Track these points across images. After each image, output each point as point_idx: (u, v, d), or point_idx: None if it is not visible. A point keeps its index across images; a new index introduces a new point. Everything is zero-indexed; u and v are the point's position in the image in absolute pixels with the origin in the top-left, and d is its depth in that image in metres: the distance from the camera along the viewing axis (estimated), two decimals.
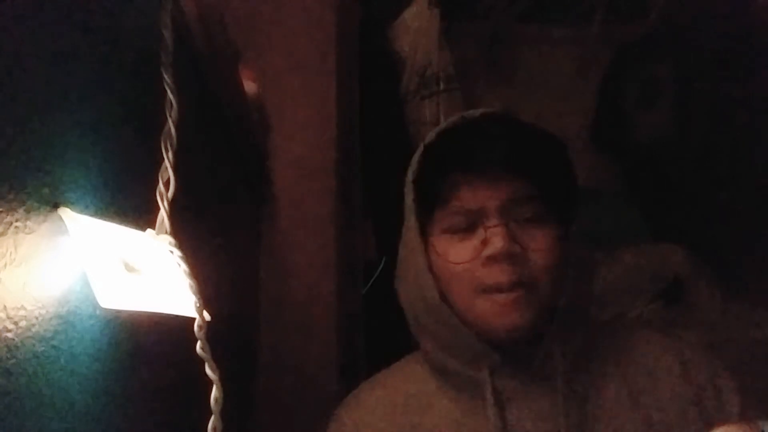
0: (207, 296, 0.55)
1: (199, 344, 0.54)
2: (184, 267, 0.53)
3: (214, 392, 0.54)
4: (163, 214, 0.55)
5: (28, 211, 0.42)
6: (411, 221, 0.79)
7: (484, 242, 0.73)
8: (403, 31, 1.81)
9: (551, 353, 0.74)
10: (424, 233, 0.78)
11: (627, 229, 1.77)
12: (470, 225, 0.74)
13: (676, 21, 1.95)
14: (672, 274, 1.49)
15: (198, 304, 0.54)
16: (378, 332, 1.39)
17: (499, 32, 2.07)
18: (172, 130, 0.58)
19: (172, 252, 0.53)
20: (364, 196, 1.51)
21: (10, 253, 0.40)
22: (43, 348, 0.44)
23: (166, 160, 0.57)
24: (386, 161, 1.61)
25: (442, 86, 1.77)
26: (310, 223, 1.24)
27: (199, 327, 0.54)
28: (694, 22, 1.89)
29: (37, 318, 0.43)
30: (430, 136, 0.80)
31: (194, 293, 0.54)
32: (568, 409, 0.72)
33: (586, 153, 1.89)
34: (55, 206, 0.46)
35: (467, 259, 0.73)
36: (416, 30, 1.79)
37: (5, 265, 0.39)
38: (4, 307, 0.39)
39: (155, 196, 0.55)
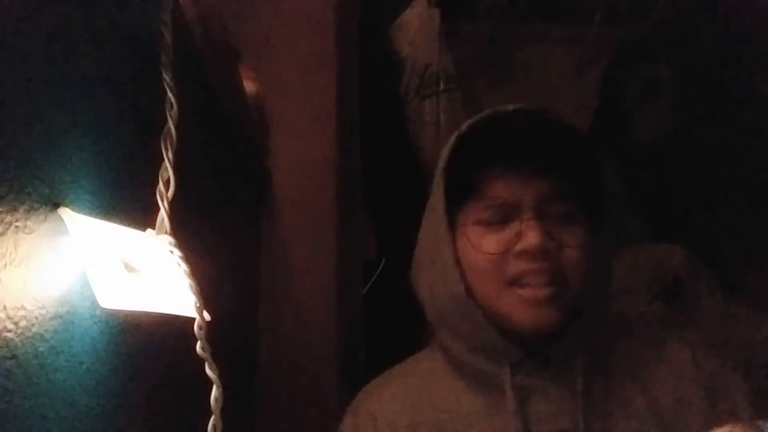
0: (207, 296, 0.55)
1: (199, 344, 0.54)
2: (184, 267, 0.53)
3: (214, 392, 0.54)
4: (163, 214, 0.55)
5: (28, 211, 0.42)
6: (438, 212, 0.78)
7: (518, 235, 0.72)
8: (403, 31, 1.81)
9: (572, 351, 0.74)
10: (451, 225, 0.77)
11: (627, 229, 1.77)
12: (504, 218, 0.74)
13: (676, 21, 1.95)
14: (672, 274, 1.48)
15: (198, 304, 0.54)
16: (378, 332, 1.40)
17: (499, 32, 2.07)
18: (172, 130, 0.58)
19: (172, 252, 0.53)
20: (364, 196, 1.51)
21: (10, 253, 0.40)
22: (43, 348, 0.44)
23: (166, 160, 0.57)
24: (386, 161, 1.62)
25: (442, 86, 1.77)
26: (310, 223, 1.24)
27: (199, 327, 0.54)
28: (694, 22, 1.89)
29: (37, 318, 0.43)
30: (463, 127, 0.80)
31: (194, 293, 0.54)
32: (587, 407, 0.73)
33: None
34: (55, 206, 0.46)
35: (499, 250, 0.73)
36: (416, 30, 1.79)
37: (5, 265, 0.39)
38: (4, 307, 0.39)
39: (155, 196, 0.55)
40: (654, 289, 1.48)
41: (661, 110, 1.88)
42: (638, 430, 0.72)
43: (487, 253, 0.73)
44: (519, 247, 0.72)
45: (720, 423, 0.63)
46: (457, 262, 0.75)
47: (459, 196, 0.77)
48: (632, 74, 1.93)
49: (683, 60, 1.88)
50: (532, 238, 0.71)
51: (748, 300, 1.48)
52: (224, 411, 0.55)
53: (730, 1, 1.72)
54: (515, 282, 0.72)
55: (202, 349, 0.54)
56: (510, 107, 0.79)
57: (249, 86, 1.11)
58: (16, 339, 0.41)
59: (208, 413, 0.54)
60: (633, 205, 1.88)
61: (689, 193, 1.84)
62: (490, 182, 0.74)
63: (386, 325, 1.34)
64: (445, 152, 0.80)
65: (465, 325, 0.76)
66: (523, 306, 0.72)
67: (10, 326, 0.40)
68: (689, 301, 1.48)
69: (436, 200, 0.79)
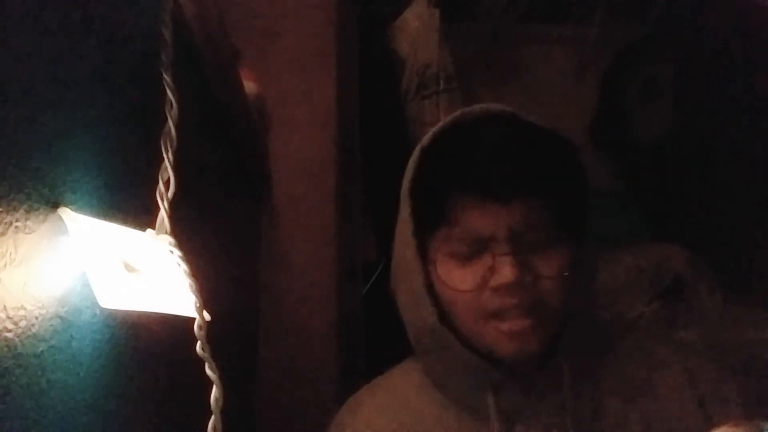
0: (207, 296, 0.55)
1: (199, 344, 0.54)
2: (184, 267, 0.53)
3: (214, 392, 0.54)
4: (163, 214, 0.55)
5: (28, 211, 0.42)
6: (406, 237, 0.73)
7: (492, 270, 0.67)
8: (403, 31, 1.81)
9: (558, 369, 0.71)
10: (423, 250, 0.72)
11: (627, 229, 1.77)
12: (476, 251, 0.69)
13: (676, 21, 1.95)
14: (672, 274, 1.48)
15: (198, 304, 0.54)
16: (378, 332, 1.40)
17: (499, 32, 2.07)
18: (172, 130, 0.58)
19: (172, 252, 0.53)
20: (364, 196, 1.51)
21: (10, 253, 0.40)
22: (43, 348, 0.44)
23: (166, 160, 0.57)
24: (386, 161, 1.62)
25: (442, 86, 1.77)
26: (310, 222, 1.24)
27: (199, 327, 0.54)
28: (694, 22, 1.89)
29: (37, 318, 0.43)
30: (426, 139, 0.74)
31: (194, 293, 0.54)
32: (576, 425, 0.71)
33: (586, 153, 1.89)
34: (55, 206, 0.46)
35: (473, 287, 0.68)
36: (416, 30, 1.80)
37: (5, 265, 0.39)
38: (4, 307, 0.39)
39: (155, 196, 0.55)
40: (654, 289, 1.48)
41: (662, 110, 1.89)
42: None
43: (460, 291, 0.69)
44: (494, 282, 0.67)
45: (718, 424, 0.63)
46: (430, 288, 0.71)
47: (429, 219, 0.72)
48: (633, 74, 1.93)
49: (684, 59, 1.88)
50: (507, 273, 0.66)
51: (748, 300, 1.48)
52: (224, 411, 0.55)
53: (731, 0, 1.72)
54: (494, 315, 0.68)
55: (202, 349, 0.54)
56: (477, 108, 0.74)
57: (249, 86, 1.11)
58: (16, 339, 0.41)
59: (208, 413, 0.54)
60: (633, 205, 1.88)
61: (689, 193, 1.84)
62: (459, 209, 0.68)
63: (386, 325, 1.34)
64: (409, 171, 0.74)
65: (443, 352, 0.73)
66: (504, 339, 0.68)
67: (10, 326, 0.40)
68: (689, 301, 1.48)
69: (404, 223, 0.74)
